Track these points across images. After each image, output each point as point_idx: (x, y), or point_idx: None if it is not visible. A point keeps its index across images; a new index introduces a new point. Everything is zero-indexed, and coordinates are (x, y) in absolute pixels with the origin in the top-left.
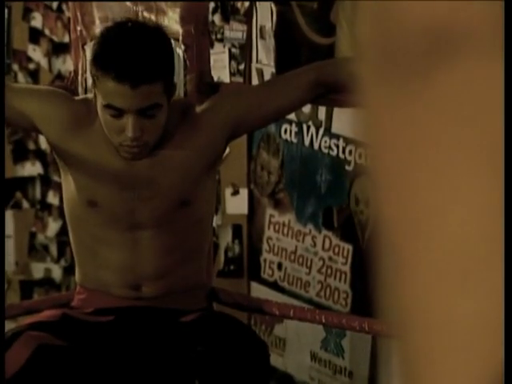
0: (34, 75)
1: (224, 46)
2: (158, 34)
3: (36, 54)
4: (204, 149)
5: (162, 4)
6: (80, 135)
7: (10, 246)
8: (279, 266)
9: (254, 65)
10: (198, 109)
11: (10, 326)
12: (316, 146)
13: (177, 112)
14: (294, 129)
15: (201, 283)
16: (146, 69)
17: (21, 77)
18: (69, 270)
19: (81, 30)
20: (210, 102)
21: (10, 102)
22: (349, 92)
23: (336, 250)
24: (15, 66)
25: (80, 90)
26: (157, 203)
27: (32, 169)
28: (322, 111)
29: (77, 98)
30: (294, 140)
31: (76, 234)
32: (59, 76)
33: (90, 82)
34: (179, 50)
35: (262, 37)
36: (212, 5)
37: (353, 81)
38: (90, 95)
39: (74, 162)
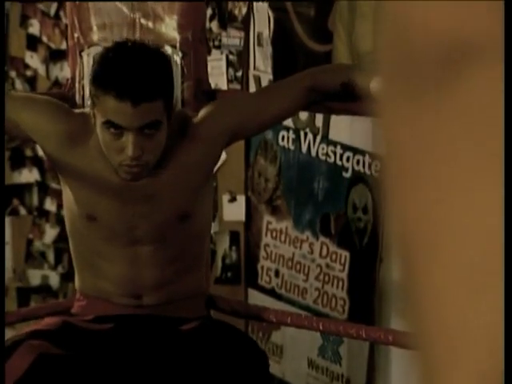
0: (32, 82)
1: (221, 53)
2: (158, 54)
3: (33, 60)
4: (202, 161)
5: (160, 11)
6: (77, 149)
7: (7, 252)
8: (276, 272)
9: (251, 72)
10: (195, 120)
11: (7, 333)
12: (313, 152)
13: (174, 125)
14: (292, 136)
15: (200, 291)
16: (147, 86)
17: (18, 84)
18: (66, 277)
19: (78, 37)
20: (206, 111)
21: (6, 112)
22: (343, 98)
23: (333, 256)
24: (13, 73)
25: (77, 96)
26: (156, 218)
27: (29, 175)
28: (319, 118)
29: (75, 111)
30: (292, 147)
31: (75, 245)
32: (57, 83)
33: (87, 90)
34: (177, 57)
35: (260, 44)
36: (209, 12)
37: (348, 87)
38: (87, 109)
39: (72, 176)
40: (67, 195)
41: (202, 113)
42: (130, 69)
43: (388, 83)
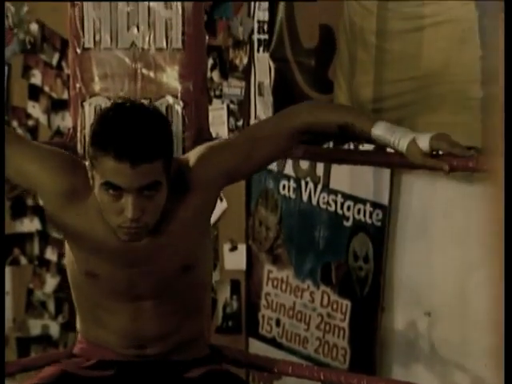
0: (33, 132)
1: (222, 103)
2: (157, 115)
3: (35, 110)
4: (201, 211)
5: (161, 61)
6: (77, 208)
7: (7, 302)
8: (277, 322)
9: (252, 121)
10: (188, 167)
11: (7, 383)
12: (314, 201)
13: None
14: (293, 185)
15: (203, 333)
16: (146, 147)
17: (20, 133)
18: (66, 327)
19: (80, 87)
20: (198, 156)
21: (12, 160)
22: (340, 139)
23: (334, 306)
24: (14, 123)
25: (79, 146)
26: (158, 276)
27: (30, 225)
28: (320, 167)
29: (81, 163)
30: (293, 196)
31: (77, 297)
32: (58, 132)
33: (88, 139)
34: (178, 107)
35: (261, 93)
36: (210, 62)
37: (347, 130)
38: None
39: (71, 234)
40: (68, 251)
41: (194, 158)
42: (129, 129)
43: None
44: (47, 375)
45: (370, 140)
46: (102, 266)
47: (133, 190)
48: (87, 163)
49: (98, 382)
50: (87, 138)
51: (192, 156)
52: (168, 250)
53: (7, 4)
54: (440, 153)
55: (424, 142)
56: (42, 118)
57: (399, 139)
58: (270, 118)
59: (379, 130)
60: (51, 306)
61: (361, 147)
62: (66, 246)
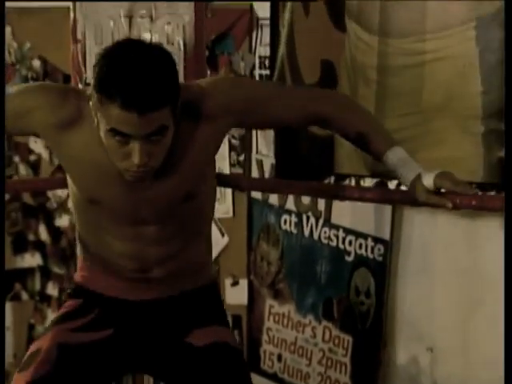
0: (35, 167)
1: None
2: (162, 54)
3: (37, 145)
4: (208, 142)
5: None
6: (74, 136)
7: (7, 338)
8: (279, 357)
9: (253, 155)
10: (200, 98)
11: None
12: (316, 236)
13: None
14: (294, 219)
15: (205, 261)
16: (154, 95)
17: (22, 169)
18: None
19: None
20: (214, 88)
21: (11, 104)
22: (352, 143)
23: (336, 341)
24: (16, 158)
25: None
26: (161, 202)
27: (31, 260)
28: (321, 202)
29: (70, 92)
30: (294, 230)
31: (80, 223)
32: (59, 168)
33: (92, 81)
34: None
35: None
36: None
37: (363, 139)
38: (81, 88)
39: (72, 163)
40: (70, 181)
41: (209, 87)
42: (136, 76)
43: None
44: (45, 355)
45: (379, 159)
46: (105, 193)
47: (140, 137)
48: (91, 103)
49: (97, 347)
50: (92, 81)
51: (207, 85)
52: (171, 179)
53: (9, 40)
54: (443, 190)
55: (428, 180)
56: (44, 154)
57: (406, 173)
58: (302, 89)
59: (393, 156)
60: None
61: (362, 182)
62: (68, 177)
